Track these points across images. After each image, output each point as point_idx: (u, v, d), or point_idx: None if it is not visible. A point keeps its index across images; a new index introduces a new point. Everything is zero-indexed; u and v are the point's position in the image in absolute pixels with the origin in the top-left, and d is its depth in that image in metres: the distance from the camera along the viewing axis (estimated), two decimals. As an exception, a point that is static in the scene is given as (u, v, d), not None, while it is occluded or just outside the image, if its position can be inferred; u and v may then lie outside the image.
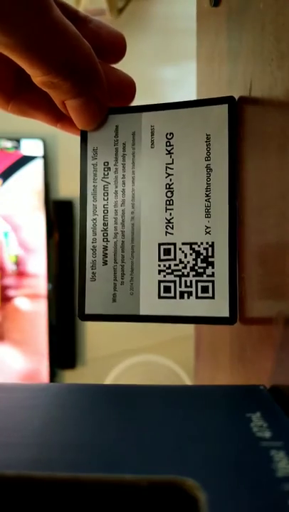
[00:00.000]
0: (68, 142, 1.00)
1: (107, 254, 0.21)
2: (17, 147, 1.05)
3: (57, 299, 1.07)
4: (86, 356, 1.10)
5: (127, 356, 1.01)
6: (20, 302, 1.03)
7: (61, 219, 1.07)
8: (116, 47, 0.21)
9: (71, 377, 1.09)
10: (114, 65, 0.22)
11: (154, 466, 0.11)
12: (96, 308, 0.21)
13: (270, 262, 0.16)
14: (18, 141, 1.05)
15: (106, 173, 0.21)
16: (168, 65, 1.10)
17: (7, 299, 1.03)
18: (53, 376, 1.07)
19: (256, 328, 0.18)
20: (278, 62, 0.15)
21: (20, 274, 1.03)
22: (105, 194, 0.21)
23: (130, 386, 0.17)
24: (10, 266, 1.03)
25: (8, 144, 1.05)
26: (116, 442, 0.13)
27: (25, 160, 1.05)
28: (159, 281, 0.20)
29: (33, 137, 1.05)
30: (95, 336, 1.10)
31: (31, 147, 1.05)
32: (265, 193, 0.16)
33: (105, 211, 0.21)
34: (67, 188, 1.08)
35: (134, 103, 0.22)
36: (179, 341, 0.91)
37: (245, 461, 0.11)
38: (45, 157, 1.05)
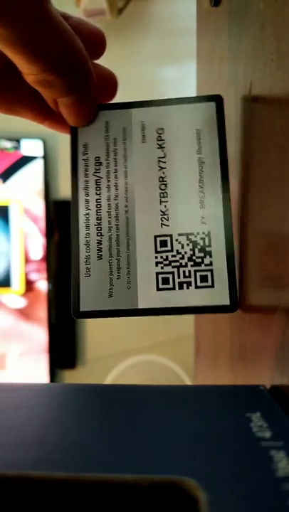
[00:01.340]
0: (68, 142, 1.00)
1: (101, 248, 0.21)
2: (17, 147, 1.05)
3: (57, 299, 1.07)
4: (86, 356, 1.10)
5: (127, 356, 1.01)
6: (42, 285, 1.09)
7: (61, 219, 1.07)
8: (97, 43, 0.21)
9: (71, 377, 1.09)
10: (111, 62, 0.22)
11: (154, 466, 0.11)
12: (91, 304, 0.21)
13: (271, 258, 0.16)
14: (18, 141, 1.05)
15: (98, 168, 0.21)
16: (168, 65, 1.10)
17: (31, 283, 1.08)
18: (53, 376, 1.07)
19: (256, 328, 0.18)
20: (278, 62, 0.15)
21: (42, 259, 1.09)
22: (98, 189, 0.21)
23: (130, 386, 0.17)
24: (34, 253, 1.07)
25: (8, 144, 1.05)
26: (116, 442, 0.13)
27: (25, 160, 1.05)
28: (157, 273, 0.20)
29: (33, 137, 1.05)
30: (95, 335, 1.10)
31: (31, 147, 1.05)
32: (266, 190, 0.17)
33: (98, 206, 0.21)
34: (67, 188, 1.07)
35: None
36: (179, 341, 0.91)
37: (245, 461, 0.11)
38: (45, 157, 1.05)
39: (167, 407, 0.15)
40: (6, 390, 0.17)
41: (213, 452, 0.12)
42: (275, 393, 0.15)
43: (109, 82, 0.22)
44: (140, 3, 1.06)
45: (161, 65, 1.10)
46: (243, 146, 0.20)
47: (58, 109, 0.20)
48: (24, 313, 1.08)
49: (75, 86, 0.19)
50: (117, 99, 0.22)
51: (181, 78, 1.04)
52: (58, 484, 0.11)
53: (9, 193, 1.06)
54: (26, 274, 1.07)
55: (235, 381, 0.23)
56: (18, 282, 1.06)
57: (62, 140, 1.04)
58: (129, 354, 1.02)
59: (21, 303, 1.07)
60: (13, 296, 1.07)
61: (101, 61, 0.22)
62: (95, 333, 1.10)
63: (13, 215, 1.06)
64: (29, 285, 1.07)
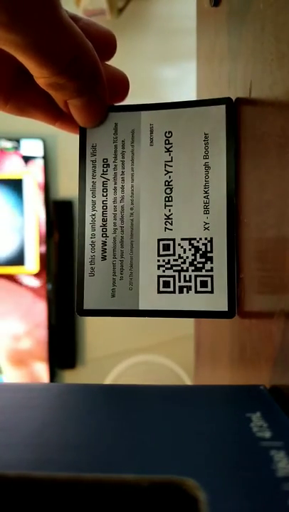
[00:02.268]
0: (68, 142, 1.00)
1: (106, 249, 0.21)
2: (17, 147, 1.05)
3: (57, 299, 1.07)
4: (86, 356, 1.10)
5: (127, 356, 1.01)
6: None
7: (61, 219, 1.07)
8: (107, 44, 0.21)
9: (71, 377, 1.09)
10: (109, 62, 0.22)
11: (154, 466, 0.11)
12: (95, 303, 0.21)
13: (271, 259, 0.16)
14: (18, 141, 1.05)
15: (105, 169, 0.22)
16: (168, 65, 1.10)
17: (44, 262, 1.06)
18: (53, 376, 1.07)
19: (256, 328, 0.18)
20: (278, 62, 0.15)
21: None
22: (104, 190, 0.21)
23: (130, 386, 0.17)
24: (46, 231, 1.06)
25: (8, 144, 1.05)
26: (116, 442, 0.13)
27: (25, 160, 1.05)
28: (159, 276, 0.20)
29: (33, 137, 1.05)
30: (95, 335, 1.10)
31: (31, 147, 1.05)
32: (265, 192, 0.16)
33: (104, 207, 0.21)
34: (67, 188, 1.07)
35: (134, 102, 0.22)
36: (179, 341, 0.91)
37: (245, 461, 0.11)
38: (45, 157, 1.05)
39: (167, 407, 0.15)
40: (6, 390, 0.17)
41: (213, 452, 0.12)
42: (275, 393, 0.15)
43: (120, 83, 0.22)
44: (140, 3, 1.06)
45: (161, 65, 1.10)
46: (243, 146, 0.20)
47: (68, 110, 0.21)
48: (38, 293, 1.07)
49: (86, 88, 0.19)
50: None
51: (181, 78, 1.04)
52: (59, 484, 0.11)
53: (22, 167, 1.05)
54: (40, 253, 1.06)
55: (235, 381, 0.23)
56: (33, 261, 1.05)
57: (62, 140, 1.04)
58: (129, 354, 1.02)
59: (36, 283, 1.06)
60: (28, 277, 1.06)
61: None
62: (95, 333, 1.10)
63: (27, 189, 1.04)
64: (43, 264, 1.05)
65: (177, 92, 1.05)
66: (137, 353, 1.02)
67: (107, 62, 0.22)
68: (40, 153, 1.05)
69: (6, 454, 0.12)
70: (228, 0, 0.23)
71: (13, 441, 0.13)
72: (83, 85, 0.19)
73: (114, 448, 0.12)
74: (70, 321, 1.08)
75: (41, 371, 1.07)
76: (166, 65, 1.10)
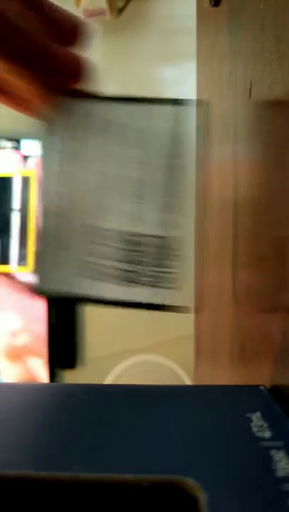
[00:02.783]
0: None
1: (64, 239, 0.21)
2: (17, 147, 1.05)
3: (57, 299, 1.07)
4: (86, 356, 1.10)
5: (127, 356, 1.01)
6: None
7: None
8: (71, 29, 0.21)
9: (71, 377, 1.09)
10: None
11: (155, 466, 0.11)
12: (50, 286, 0.21)
13: (271, 259, 0.16)
14: (18, 141, 1.05)
15: (71, 159, 0.22)
16: (168, 65, 1.10)
17: None
18: (53, 376, 1.07)
19: (256, 328, 0.18)
20: (278, 62, 0.15)
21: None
22: (67, 181, 0.22)
23: (130, 386, 0.17)
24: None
25: (8, 144, 1.04)
26: (116, 442, 0.13)
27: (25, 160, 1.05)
28: (122, 270, 0.21)
29: (33, 137, 1.05)
30: (95, 336, 1.10)
31: (31, 147, 1.05)
32: (265, 192, 0.16)
33: (67, 198, 0.21)
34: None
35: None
36: (179, 341, 0.91)
37: (245, 461, 0.11)
38: (45, 157, 1.05)
39: (167, 407, 0.15)
40: (6, 390, 0.17)
41: (213, 452, 0.12)
42: (275, 393, 0.15)
43: (77, 66, 0.21)
44: (140, 3, 1.06)
45: (161, 65, 1.10)
46: (242, 146, 0.20)
47: (28, 97, 0.21)
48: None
49: (40, 76, 0.19)
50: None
51: (181, 78, 1.04)
52: (59, 484, 0.11)
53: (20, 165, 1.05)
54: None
55: (235, 381, 0.23)
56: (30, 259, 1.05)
57: (62, 140, 1.04)
58: (129, 354, 1.02)
59: (31, 279, 1.06)
60: (25, 274, 1.06)
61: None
62: (95, 333, 1.10)
63: (25, 187, 1.05)
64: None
65: (177, 92, 1.04)
66: (137, 353, 1.02)
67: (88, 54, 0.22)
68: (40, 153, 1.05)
69: (7, 454, 0.12)
70: (228, 0, 0.23)
71: (13, 441, 0.13)
72: (36, 73, 0.19)
73: (115, 448, 0.12)
74: (70, 321, 1.08)
75: (38, 367, 1.07)
76: (166, 65, 1.10)
